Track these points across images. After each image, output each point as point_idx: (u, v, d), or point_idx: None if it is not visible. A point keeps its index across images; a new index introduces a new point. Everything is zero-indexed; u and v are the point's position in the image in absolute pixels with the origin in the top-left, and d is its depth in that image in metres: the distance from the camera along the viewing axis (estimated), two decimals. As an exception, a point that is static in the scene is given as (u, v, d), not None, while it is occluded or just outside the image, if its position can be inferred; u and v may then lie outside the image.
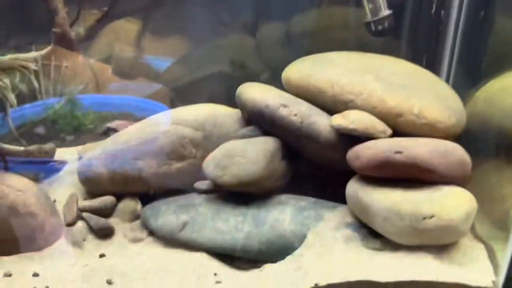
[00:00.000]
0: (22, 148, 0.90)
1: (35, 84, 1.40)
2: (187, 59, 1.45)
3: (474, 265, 0.76)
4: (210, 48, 1.42)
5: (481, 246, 0.79)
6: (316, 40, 1.24)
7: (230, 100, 1.06)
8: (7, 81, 1.37)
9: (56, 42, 0.86)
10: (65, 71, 1.57)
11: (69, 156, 1.09)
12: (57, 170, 1.05)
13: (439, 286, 0.72)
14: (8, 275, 0.83)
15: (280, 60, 1.37)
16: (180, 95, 1.36)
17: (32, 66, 1.44)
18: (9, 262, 0.86)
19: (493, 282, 0.71)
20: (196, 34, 1.39)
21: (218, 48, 1.41)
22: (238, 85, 1.32)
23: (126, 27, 1.61)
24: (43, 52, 0.86)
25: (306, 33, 1.26)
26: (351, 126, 0.77)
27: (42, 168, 1.03)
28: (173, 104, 1.50)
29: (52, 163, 1.05)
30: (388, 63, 0.87)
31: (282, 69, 1.32)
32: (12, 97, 1.37)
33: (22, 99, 1.42)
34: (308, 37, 1.26)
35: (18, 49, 1.42)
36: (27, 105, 1.48)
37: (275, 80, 1.14)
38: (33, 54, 0.85)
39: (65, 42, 0.84)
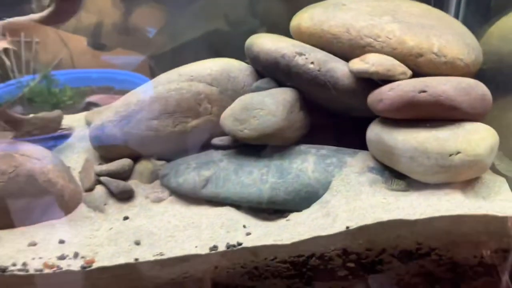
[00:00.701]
0: (31, 115, 0.90)
1: (7, 62, 1.47)
2: (179, 19, 1.45)
3: (497, 197, 0.82)
4: (202, 6, 1.42)
5: (502, 179, 0.86)
6: None
7: (231, 55, 1.07)
8: None
9: (59, 6, 0.82)
10: (37, 46, 1.53)
11: (75, 123, 1.10)
12: (65, 137, 1.10)
13: (467, 219, 0.77)
14: (33, 244, 0.85)
15: (275, 14, 1.33)
16: (178, 57, 1.34)
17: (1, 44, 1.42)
18: (32, 231, 0.89)
19: None
20: None
21: (211, 5, 1.40)
22: (236, 42, 1.34)
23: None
24: (39, 15, 0.83)
25: None
26: (372, 69, 0.80)
27: (51, 136, 1.03)
28: (153, 73, 1.46)
29: (59, 131, 1.05)
30: (402, 3, 0.88)
31: (279, 23, 1.32)
32: None
33: None
34: None
35: None
36: (1, 84, 1.47)
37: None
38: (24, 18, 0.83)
39: (68, 6, 0.81)
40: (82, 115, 1.24)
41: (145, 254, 0.82)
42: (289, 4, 1.32)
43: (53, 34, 1.56)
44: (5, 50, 1.51)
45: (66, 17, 0.91)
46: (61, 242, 0.87)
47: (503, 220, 0.78)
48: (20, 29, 0.94)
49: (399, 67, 0.81)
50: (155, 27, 1.53)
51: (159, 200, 0.95)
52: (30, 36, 1.52)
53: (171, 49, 1.45)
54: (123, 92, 1.40)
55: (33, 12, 1.47)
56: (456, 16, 0.97)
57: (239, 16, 1.34)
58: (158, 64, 1.48)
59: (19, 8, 1.54)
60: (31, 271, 0.81)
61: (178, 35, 1.40)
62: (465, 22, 0.96)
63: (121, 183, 0.95)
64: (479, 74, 0.85)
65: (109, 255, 0.84)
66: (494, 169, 0.88)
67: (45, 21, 0.86)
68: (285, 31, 1.29)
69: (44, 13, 0.84)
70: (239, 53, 1.12)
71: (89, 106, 1.37)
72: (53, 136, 1.07)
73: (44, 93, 1.33)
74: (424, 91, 0.76)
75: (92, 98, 1.39)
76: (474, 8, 0.93)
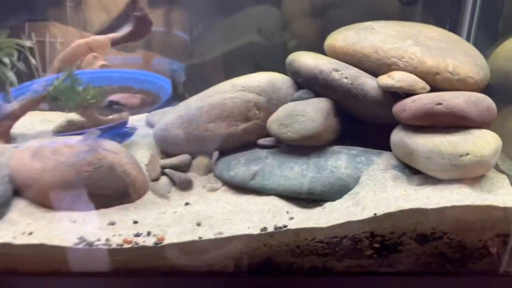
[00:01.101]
0: (110, 116, 1.05)
1: (33, 61, 1.58)
2: (218, 30, 1.55)
3: (500, 191, 0.93)
4: (238, 19, 1.51)
5: (504, 176, 0.97)
6: (339, 11, 1.36)
7: (267, 66, 1.19)
8: (6, 60, 1.47)
9: (136, 25, 0.96)
10: (61, 47, 1.62)
11: (137, 123, 1.24)
12: (130, 135, 1.23)
13: (474, 209, 0.87)
14: (112, 223, 0.98)
15: (305, 29, 1.48)
16: (218, 65, 1.47)
17: (28, 43, 1.53)
18: (110, 213, 1.01)
19: None
20: (223, 6, 1.48)
21: (246, 19, 1.50)
22: (269, 54, 1.47)
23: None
24: (119, 34, 0.97)
25: (329, 3, 1.37)
26: (397, 84, 0.93)
27: (118, 134, 1.17)
28: (173, 75, 1.60)
29: (125, 129, 1.19)
30: (423, 29, 1.01)
31: (308, 37, 1.45)
32: (12, 76, 1.48)
33: (20, 77, 1.51)
34: (331, 7, 1.37)
35: (13, 28, 1.53)
36: (26, 83, 1.53)
37: (301, 47, 1.19)
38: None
39: (144, 25, 0.95)
40: (143, 116, 1.30)
41: (207, 233, 0.94)
42: (315, 20, 1.43)
43: (76, 34, 1.63)
44: (31, 50, 1.61)
45: (140, 37, 1.03)
46: (135, 222, 0.99)
47: (503, 209, 0.88)
48: (102, 46, 1.07)
49: (420, 83, 0.93)
50: (194, 36, 1.62)
51: (214, 190, 1.08)
52: (55, 36, 1.61)
53: (211, 58, 1.52)
54: (142, 92, 1.57)
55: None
56: (468, 38, 1.09)
57: (271, 30, 1.45)
58: (198, 72, 1.56)
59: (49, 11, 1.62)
60: (114, 246, 0.94)
61: (217, 45, 1.50)
62: (476, 44, 1.08)
63: (182, 175, 1.08)
64: (486, 89, 0.97)
65: (176, 234, 0.95)
66: (498, 168, 1.00)
67: (122, 40, 0.98)
68: (310, 43, 1.39)
69: (123, 32, 0.97)
70: (271, 63, 1.24)
71: (111, 104, 1.43)
72: (119, 134, 1.18)
73: (68, 91, 1.35)
74: (440, 104, 0.89)
75: (114, 97, 1.44)
76: (484, 32, 1.06)
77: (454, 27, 1.12)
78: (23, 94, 1.44)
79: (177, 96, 1.56)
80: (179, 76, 1.58)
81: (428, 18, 1.14)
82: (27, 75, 1.58)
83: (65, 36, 1.66)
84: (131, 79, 1.58)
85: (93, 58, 1.04)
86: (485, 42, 1.06)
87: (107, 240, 0.93)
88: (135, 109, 1.41)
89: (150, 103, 1.53)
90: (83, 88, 1.34)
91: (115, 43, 0.97)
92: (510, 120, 0.92)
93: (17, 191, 1.04)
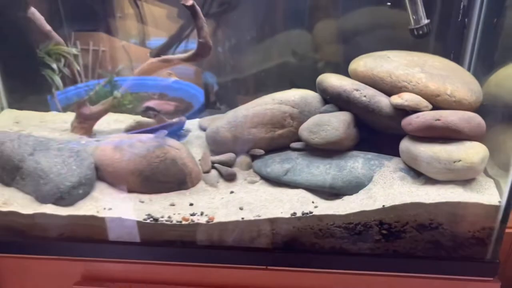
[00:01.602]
0: (174, 119, 1.28)
1: (77, 67, 1.66)
2: (258, 50, 1.66)
3: (487, 192, 1.05)
4: (275, 42, 1.63)
5: (491, 181, 1.08)
6: (363, 38, 1.48)
7: (299, 84, 1.33)
8: (54, 65, 1.62)
9: (199, 49, 1.16)
10: (103, 55, 1.75)
11: (191, 126, 1.44)
12: (185, 136, 1.39)
13: (464, 205, 1.02)
14: (173, 205, 1.16)
15: (332, 53, 1.59)
16: (257, 82, 1.60)
17: (74, 51, 1.64)
18: (171, 196, 1.19)
19: (499, 202, 1.02)
20: (262, 31, 1.62)
21: (282, 42, 1.61)
22: (302, 73, 1.61)
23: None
24: (186, 55, 1.19)
25: (354, 30, 1.49)
26: (405, 103, 1.07)
27: (176, 134, 1.36)
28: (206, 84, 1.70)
29: (181, 130, 1.38)
30: (429, 58, 1.17)
31: (335, 59, 1.60)
32: (58, 80, 1.60)
33: (64, 82, 1.61)
34: (356, 35, 1.49)
35: (64, 37, 1.58)
36: (70, 87, 1.64)
37: (329, 69, 1.42)
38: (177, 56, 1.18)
39: (205, 49, 1.14)
40: (196, 121, 1.47)
41: (247, 215, 1.11)
42: (342, 45, 1.56)
43: (119, 44, 1.75)
44: (75, 57, 1.67)
45: (201, 58, 1.19)
46: (191, 204, 1.16)
47: (488, 207, 1.02)
48: (173, 64, 1.23)
49: (424, 103, 1.07)
50: (237, 54, 1.71)
51: (253, 182, 1.23)
52: (98, 45, 1.69)
53: (251, 74, 1.64)
54: (175, 99, 1.66)
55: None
56: (469, 67, 1.24)
57: (303, 52, 1.57)
58: (239, 86, 1.71)
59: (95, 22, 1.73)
60: (174, 222, 1.12)
61: (257, 63, 1.61)
62: (475, 71, 1.23)
63: (228, 169, 1.24)
64: (481, 109, 1.12)
65: (223, 215, 1.12)
66: (487, 173, 1.11)
67: (189, 59, 1.17)
68: (337, 65, 1.51)
69: (189, 54, 1.16)
70: (302, 81, 1.37)
71: (147, 110, 1.46)
72: (178, 134, 1.37)
73: (107, 96, 1.43)
74: (439, 120, 1.03)
75: (150, 103, 1.48)
76: (482, 62, 1.20)
77: (457, 57, 1.26)
78: (67, 98, 1.62)
79: (209, 104, 1.69)
80: (212, 86, 1.71)
81: (436, 49, 1.29)
82: (70, 80, 1.66)
83: (108, 45, 1.76)
84: (166, 87, 1.61)
85: (168, 74, 1.25)
86: (482, 70, 1.20)
87: (169, 217, 1.12)
88: (169, 115, 1.44)
89: (183, 110, 1.61)
90: (122, 94, 1.40)
91: (182, 62, 1.19)
92: (499, 135, 1.10)
93: (99, 176, 1.22)
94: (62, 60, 1.67)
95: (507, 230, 1.12)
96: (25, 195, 1.18)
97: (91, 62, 1.76)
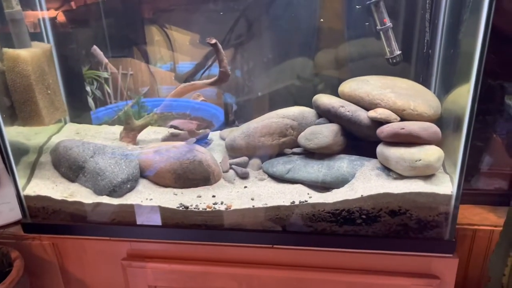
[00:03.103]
0: (201, 131, 1.58)
1: (108, 90, 1.89)
2: (268, 75, 1.84)
3: (443, 185, 1.25)
4: (282, 67, 1.79)
5: (447, 176, 1.28)
6: (356, 64, 1.66)
7: (302, 102, 1.54)
8: (88, 88, 1.92)
9: (220, 76, 1.39)
10: (131, 78, 1.89)
11: (214, 136, 1.69)
12: (208, 143, 1.61)
13: (425, 194, 1.22)
14: (199, 196, 1.39)
15: (330, 77, 1.74)
16: (270, 100, 1.77)
17: (105, 75, 1.87)
18: (198, 190, 1.42)
19: (451, 192, 1.23)
20: (272, 58, 1.79)
21: (288, 67, 1.75)
22: (305, 94, 1.70)
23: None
24: (209, 81, 1.50)
25: (348, 58, 1.68)
26: (379, 116, 1.29)
27: (201, 142, 1.58)
28: (226, 105, 1.81)
29: (206, 139, 1.61)
30: (398, 82, 1.41)
31: (332, 82, 1.68)
32: (91, 102, 1.84)
33: (95, 103, 1.85)
34: (349, 61, 1.68)
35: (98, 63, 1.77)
36: (101, 108, 1.87)
37: (327, 90, 1.55)
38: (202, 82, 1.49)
39: (225, 77, 1.39)
40: (217, 132, 1.68)
41: (257, 204, 1.34)
42: (338, 70, 1.70)
43: (145, 68, 1.89)
44: (105, 80, 1.90)
45: (221, 83, 1.43)
46: (213, 196, 1.38)
47: (443, 196, 1.22)
48: (199, 88, 1.49)
49: (393, 115, 1.29)
50: (250, 77, 1.81)
51: (262, 179, 1.44)
52: (126, 69, 1.80)
53: (261, 95, 1.82)
54: (197, 118, 1.76)
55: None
56: (434, 87, 1.47)
57: (306, 76, 1.71)
58: (253, 105, 1.84)
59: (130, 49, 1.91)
60: (200, 209, 1.35)
61: (267, 85, 1.78)
62: (439, 91, 1.45)
63: (243, 169, 1.45)
64: (440, 121, 1.34)
65: (239, 204, 1.34)
66: (445, 171, 1.30)
67: (212, 84, 1.42)
68: (333, 86, 1.55)
69: (212, 80, 1.42)
70: (305, 100, 1.54)
71: (171, 128, 1.61)
72: (203, 142, 1.58)
73: (135, 116, 1.62)
74: (403, 128, 1.24)
75: (174, 122, 1.60)
76: (444, 84, 1.42)
77: (425, 80, 1.49)
78: (97, 118, 1.82)
79: (228, 123, 1.82)
80: (231, 106, 1.84)
81: (409, 74, 1.52)
82: (101, 101, 1.92)
83: (135, 70, 1.90)
84: (188, 107, 1.74)
85: (197, 95, 1.56)
86: (443, 91, 1.42)
87: (196, 206, 1.36)
88: (191, 133, 1.58)
89: (204, 128, 1.67)
90: (148, 114, 1.60)
91: (206, 86, 1.51)
92: (454, 141, 1.27)
93: (143, 174, 1.47)
94: (95, 83, 1.92)
95: (463, 226, 1.38)
96: (86, 189, 1.48)
97: (120, 85, 1.91)
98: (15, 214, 1.54)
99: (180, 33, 1.81)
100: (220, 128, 1.73)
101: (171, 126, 1.59)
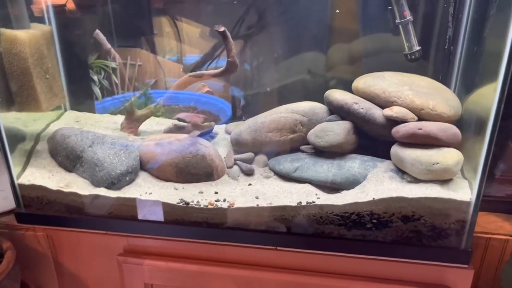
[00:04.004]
0: (206, 124, 1.52)
1: (115, 80, 1.86)
2: (278, 69, 1.78)
3: (461, 191, 1.19)
4: (293, 62, 1.74)
5: (466, 182, 1.22)
6: (370, 60, 1.60)
7: (313, 97, 1.48)
8: (95, 78, 1.88)
9: (228, 66, 1.34)
10: (139, 69, 1.86)
11: (219, 130, 1.64)
12: (213, 137, 1.58)
13: (441, 200, 1.16)
14: (201, 192, 1.35)
15: (343, 72, 1.69)
16: (279, 94, 1.72)
17: (113, 65, 1.83)
18: (200, 186, 1.38)
19: (470, 199, 1.17)
20: (283, 51, 1.74)
21: (299, 62, 1.73)
22: (316, 89, 1.69)
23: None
24: (216, 71, 1.43)
25: (361, 54, 1.63)
26: (395, 115, 1.23)
27: (206, 136, 1.56)
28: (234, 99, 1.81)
29: (211, 133, 1.59)
30: (416, 79, 1.34)
31: (344, 78, 1.64)
32: (98, 91, 1.82)
33: (102, 92, 1.82)
34: (362, 58, 1.62)
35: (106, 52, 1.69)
36: (108, 98, 1.84)
37: (339, 85, 1.49)
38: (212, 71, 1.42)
39: (233, 68, 1.33)
40: (223, 126, 1.65)
41: (262, 203, 1.29)
42: (351, 66, 1.66)
43: (153, 59, 1.86)
44: (113, 70, 1.88)
45: (229, 74, 1.39)
46: (216, 193, 1.34)
47: (460, 202, 1.17)
48: (205, 79, 1.42)
49: (410, 115, 1.23)
50: (260, 71, 1.79)
51: (268, 177, 1.39)
52: (135, 59, 1.79)
53: (270, 90, 1.77)
54: (204, 112, 1.75)
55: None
56: (454, 87, 1.40)
57: (318, 71, 1.67)
58: (262, 99, 1.79)
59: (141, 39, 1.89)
60: (202, 206, 1.30)
61: (277, 80, 1.74)
62: (459, 91, 1.38)
63: (248, 166, 1.41)
64: (460, 122, 1.27)
65: (242, 202, 1.30)
66: (464, 176, 1.25)
67: (217, 75, 1.37)
68: (345, 82, 1.51)
69: (219, 70, 1.36)
70: (315, 95, 1.49)
71: (178, 121, 1.58)
72: (206, 137, 1.55)
73: (142, 107, 1.58)
74: (420, 129, 1.18)
75: (180, 115, 1.59)
76: (465, 83, 1.35)
77: (445, 79, 1.41)
78: (104, 107, 1.80)
79: (235, 118, 1.78)
80: (238, 100, 1.80)
81: (427, 71, 1.45)
82: (108, 91, 1.89)
83: (144, 60, 1.89)
84: (195, 100, 1.74)
85: (202, 86, 1.50)
86: (464, 90, 1.35)
87: (197, 202, 1.31)
88: (194, 126, 1.56)
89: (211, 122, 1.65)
90: (155, 106, 1.57)
91: (213, 77, 1.44)
92: (474, 144, 1.21)
93: (143, 166, 1.42)
94: (102, 72, 1.89)
95: (476, 235, 1.30)
96: (83, 180, 1.43)
97: (128, 75, 1.89)
98: (9, 203, 1.49)
99: (190, 25, 1.81)
100: (227, 123, 1.73)
101: (178, 119, 1.57)
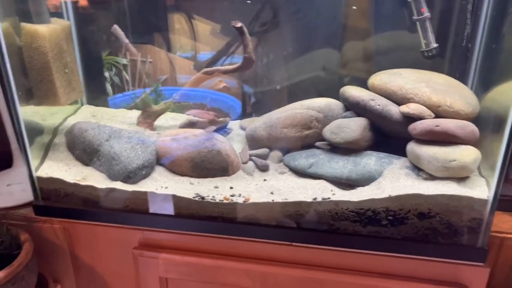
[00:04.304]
0: (221, 119, 1.53)
1: (126, 76, 1.83)
2: (292, 66, 1.78)
3: (478, 189, 1.18)
4: (308, 58, 1.73)
5: (483, 180, 1.22)
6: (383, 57, 1.60)
7: (327, 94, 1.48)
8: (106, 74, 1.83)
9: (244, 62, 1.35)
10: (150, 65, 1.85)
11: (234, 126, 1.65)
12: (228, 133, 1.58)
13: (457, 198, 1.16)
14: (216, 187, 1.36)
15: (357, 69, 1.68)
16: (293, 91, 1.71)
17: (124, 61, 1.82)
18: (215, 180, 1.39)
19: (487, 197, 1.16)
20: (297, 48, 1.75)
21: (314, 58, 1.72)
22: (330, 85, 1.67)
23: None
24: (232, 67, 1.43)
25: (377, 51, 1.62)
26: (412, 112, 1.23)
27: (221, 132, 1.56)
28: (244, 96, 1.79)
29: (226, 129, 1.60)
30: (433, 76, 1.34)
31: (358, 75, 1.64)
32: (109, 88, 1.81)
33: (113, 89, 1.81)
34: (377, 55, 1.62)
35: (117, 48, 1.77)
36: (119, 94, 1.83)
37: (353, 82, 1.49)
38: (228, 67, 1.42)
39: (249, 64, 1.34)
40: (237, 122, 1.67)
41: (277, 198, 1.29)
42: (365, 63, 1.67)
43: (164, 56, 1.85)
44: (124, 67, 1.85)
45: (244, 70, 1.38)
46: (231, 188, 1.35)
47: (477, 200, 1.16)
48: (220, 74, 1.43)
49: (427, 112, 1.23)
50: (274, 68, 1.78)
51: (282, 173, 1.39)
52: (145, 56, 1.77)
53: (283, 87, 1.77)
54: (214, 109, 1.74)
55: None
56: (472, 84, 1.39)
57: (332, 68, 1.66)
58: (275, 97, 1.79)
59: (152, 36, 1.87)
60: (217, 200, 1.32)
61: (292, 76, 1.73)
62: (476, 88, 1.37)
63: (263, 161, 1.41)
64: (478, 119, 1.26)
65: (257, 197, 1.30)
66: (481, 173, 1.24)
67: (233, 71, 1.38)
68: (360, 79, 1.52)
69: (234, 66, 1.37)
70: (330, 92, 1.49)
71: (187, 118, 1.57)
72: (221, 132, 1.56)
73: (152, 104, 1.58)
74: (438, 126, 1.18)
75: (191, 112, 1.59)
76: (482, 80, 1.35)
77: (462, 76, 1.41)
78: (115, 104, 1.79)
79: (245, 115, 1.78)
80: (249, 98, 1.80)
81: (444, 69, 1.44)
82: (119, 88, 1.87)
83: (154, 57, 1.86)
84: (205, 97, 1.72)
85: (218, 81, 1.50)
86: (482, 88, 1.34)
87: (213, 197, 1.32)
88: (210, 122, 1.56)
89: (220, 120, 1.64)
90: (165, 102, 1.57)
91: (228, 72, 1.44)
92: (492, 142, 1.21)
93: (159, 161, 1.43)
94: (114, 69, 1.88)
95: (491, 234, 1.26)
96: (100, 173, 1.44)
97: (139, 72, 1.87)
98: (27, 195, 1.51)
99: (201, 22, 1.80)
100: (237, 120, 1.72)
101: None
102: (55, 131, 1.60)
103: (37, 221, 1.49)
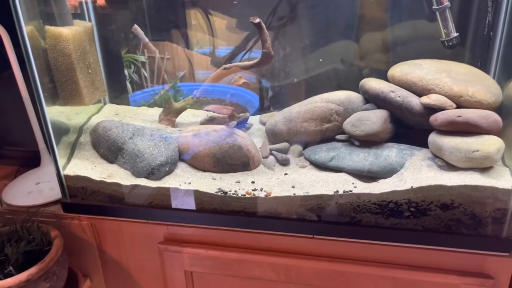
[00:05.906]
0: (241, 114, 1.55)
1: (145, 73, 1.89)
2: (310, 59, 1.77)
3: (502, 178, 1.17)
4: (326, 51, 1.73)
5: (507, 170, 1.20)
6: (402, 49, 1.59)
7: (345, 86, 1.49)
8: (125, 71, 1.88)
9: (263, 57, 1.38)
10: (168, 62, 1.87)
11: (253, 121, 1.67)
12: (248, 128, 1.61)
13: (481, 188, 1.15)
14: (238, 182, 1.37)
15: (375, 61, 1.67)
16: (311, 84, 1.72)
17: (142, 59, 1.85)
18: (237, 175, 1.40)
19: None
20: (315, 41, 1.75)
21: (332, 51, 1.72)
22: (349, 78, 1.69)
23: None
24: (251, 62, 1.44)
25: (395, 41, 1.61)
26: (433, 102, 1.22)
27: (241, 127, 1.58)
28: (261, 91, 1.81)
29: (246, 124, 1.62)
30: (454, 66, 1.33)
31: (377, 67, 1.64)
32: (128, 85, 1.83)
33: (132, 86, 1.84)
34: (396, 46, 1.61)
35: (136, 46, 1.80)
36: (138, 92, 1.88)
37: (372, 74, 1.53)
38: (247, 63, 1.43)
39: (268, 58, 1.35)
40: (257, 117, 1.68)
41: (298, 192, 1.30)
42: (384, 54, 1.66)
43: (182, 52, 1.88)
44: (142, 64, 1.90)
45: (264, 65, 1.39)
46: (253, 182, 1.36)
47: (502, 190, 1.15)
48: (240, 70, 1.45)
49: (448, 102, 1.22)
50: (292, 61, 1.78)
51: (303, 167, 1.40)
52: (163, 53, 1.79)
53: (303, 79, 1.77)
54: (232, 104, 1.75)
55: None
56: (494, 73, 1.37)
57: (351, 60, 1.66)
58: (293, 90, 1.81)
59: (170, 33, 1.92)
60: (239, 195, 1.33)
61: (311, 69, 1.73)
62: (499, 77, 1.35)
63: (283, 156, 1.42)
64: (501, 109, 1.25)
65: (279, 191, 1.31)
66: (504, 163, 1.23)
67: (252, 66, 1.39)
68: (379, 71, 1.54)
69: (253, 61, 1.38)
70: (349, 84, 1.51)
71: (208, 114, 1.62)
72: (241, 127, 1.58)
73: (170, 99, 1.59)
74: (460, 116, 1.18)
75: (209, 108, 1.64)
76: (505, 69, 1.33)
77: (484, 65, 1.39)
78: (134, 101, 1.82)
79: (263, 109, 1.80)
80: (266, 92, 1.81)
81: (465, 58, 1.43)
82: (138, 85, 1.93)
83: (172, 54, 1.89)
84: (224, 93, 1.73)
85: (238, 77, 1.52)
86: (505, 76, 1.32)
87: (235, 191, 1.34)
88: (231, 117, 1.60)
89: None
90: (184, 98, 1.59)
91: (247, 68, 1.46)
92: None
93: (181, 157, 1.46)
94: (132, 66, 1.92)
95: None
96: (125, 171, 1.48)
97: (158, 68, 1.91)
98: (55, 193, 1.56)
99: (217, 17, 1.81)
100: (254, 114, 1.73)
101: (206, 111, 1.62)
102: (80, 130, 1.64)
103: (65, 218, 1.54)
